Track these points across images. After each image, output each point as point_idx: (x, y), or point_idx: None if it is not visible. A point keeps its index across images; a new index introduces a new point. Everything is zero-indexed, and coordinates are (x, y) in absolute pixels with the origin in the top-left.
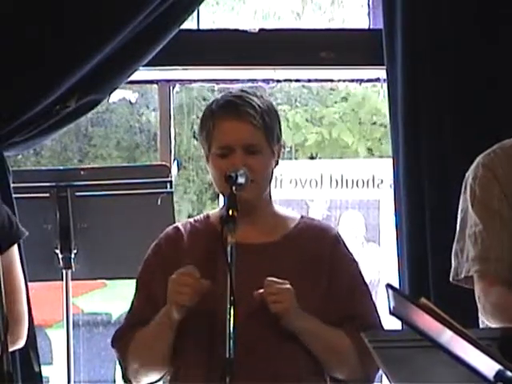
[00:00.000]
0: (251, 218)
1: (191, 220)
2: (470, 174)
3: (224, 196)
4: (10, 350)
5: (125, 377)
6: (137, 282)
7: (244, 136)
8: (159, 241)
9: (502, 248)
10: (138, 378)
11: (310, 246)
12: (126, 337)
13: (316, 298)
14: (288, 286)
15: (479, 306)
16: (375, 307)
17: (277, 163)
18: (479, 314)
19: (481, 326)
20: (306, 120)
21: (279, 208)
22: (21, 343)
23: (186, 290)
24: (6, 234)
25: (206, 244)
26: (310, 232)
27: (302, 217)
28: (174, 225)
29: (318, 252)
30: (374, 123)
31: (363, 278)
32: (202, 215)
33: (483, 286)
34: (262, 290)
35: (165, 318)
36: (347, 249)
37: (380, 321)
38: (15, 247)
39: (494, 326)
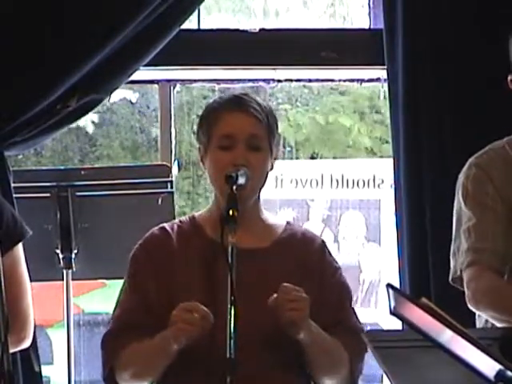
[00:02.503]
0: (242, 221)
1: (176, 221)
2: (462, 175)
3: (221, 193)
4: (17, 349)
5: (107, 378)
6: (126, 284)
7: (249, 128)
8: (147, 242)
9: (496, 241)
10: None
11: (299, 253)
12: (118, 341)
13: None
14: (304, 294)
15: (467, 292)
16: (355, 312)
17: (271, 168)
18: (467, 303)
19: (477, 325)
20: (308, 119)
21: (267, 213)
22: (28, 342)
23: (188, 328)
24: (10, 233)
25: (197, 246)
26: (297, 239)
27: (287, 223)
28: (160, 226)
29: (307, 260)
30: (376, 122)
31: (347, 285)
32: (186, 216)
33: (474, 271)
34: (275, 295)
35: (163, 343)
36: (332, 257)
37: (361, 325)
38: (20, 246)
39: (483, 311)
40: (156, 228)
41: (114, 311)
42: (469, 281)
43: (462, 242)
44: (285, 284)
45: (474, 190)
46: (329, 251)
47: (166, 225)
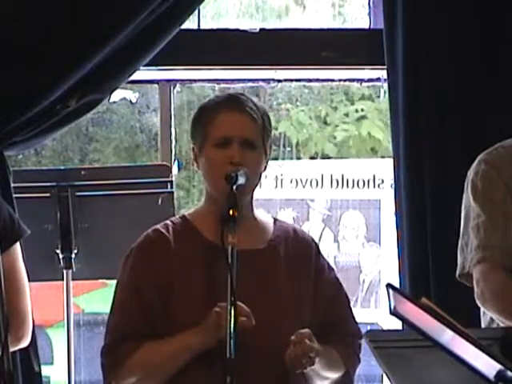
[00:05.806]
0: (239, 222)
1: (168, 222)
2: (471, 172)
3: (217, 191)
4: (16, 348)
5: None
6: (122, 290)
7: (245, 129)
8: (143, 246)
9: (506, 237)
10: None
11: (294, 253)
12: (121, 350)
13: (305, 305)
14: (316, 344)
15: (477, 290)
16: (353, 314)
17: (265, 168)
18: (476, 300)
19: (483, 325)
20: (310, 118)
21: (256, 212)
22: (26, 341)
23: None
24: (8, 232)
25: (195, 249)
26: (291, 237)
27: (274, 220)
28: (153, 228)
29: (303, 260)
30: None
31: (343, 286)
32: (177, 216)
33: (484, 270)
34: (293, 347)
35: (186, 349)
36: (323, 256)
37: (358, 327)
38: (17, 245)
39: (490, 311)
40: (150, 231)
41: (109, 320)
42: (478, 279)
43: (470, 239)
44: (301, 332)
45: (484, 186)
46: (320, 251)
47: (159, 227)
